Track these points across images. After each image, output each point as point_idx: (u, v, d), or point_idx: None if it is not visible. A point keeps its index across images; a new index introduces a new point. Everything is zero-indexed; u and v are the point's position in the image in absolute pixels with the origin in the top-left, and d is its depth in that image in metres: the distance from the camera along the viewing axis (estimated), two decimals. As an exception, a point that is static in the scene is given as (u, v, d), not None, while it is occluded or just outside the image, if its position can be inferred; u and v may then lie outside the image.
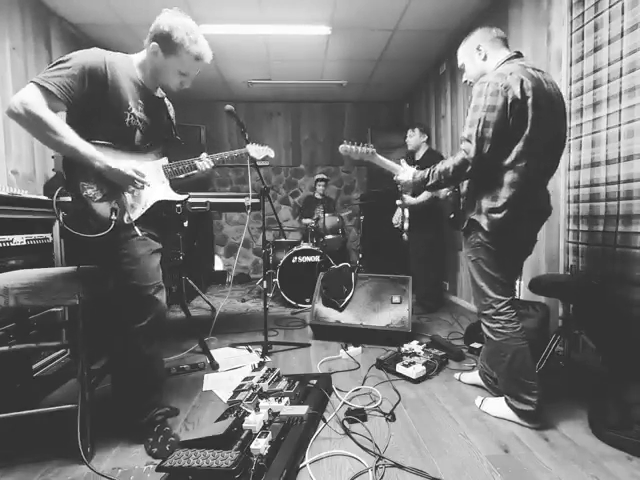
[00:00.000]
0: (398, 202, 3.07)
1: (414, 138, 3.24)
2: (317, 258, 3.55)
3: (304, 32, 3.40)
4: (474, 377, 1.86)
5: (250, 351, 2.36)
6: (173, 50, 1.34)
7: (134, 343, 1.36)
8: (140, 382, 1.41)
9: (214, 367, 2.11)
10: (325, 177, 4.58)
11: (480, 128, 1.35)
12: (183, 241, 3.17)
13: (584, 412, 1.55)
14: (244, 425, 1.32)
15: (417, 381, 1.89)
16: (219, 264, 5.18)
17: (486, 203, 1.43)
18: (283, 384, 1.68)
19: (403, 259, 3.62)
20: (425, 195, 2.92)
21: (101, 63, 1.27)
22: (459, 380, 1.91)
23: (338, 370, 2.04)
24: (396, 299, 2.56)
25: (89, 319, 1.36)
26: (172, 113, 1.65)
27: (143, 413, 1.41)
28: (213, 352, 2.21)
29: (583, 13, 2.04)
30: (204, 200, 2.44)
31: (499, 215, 1.40)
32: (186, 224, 2.17)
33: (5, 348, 1.29)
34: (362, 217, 4.38)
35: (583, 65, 2.04)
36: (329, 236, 4.08)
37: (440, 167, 1.47)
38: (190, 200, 2.24)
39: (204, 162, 1.61)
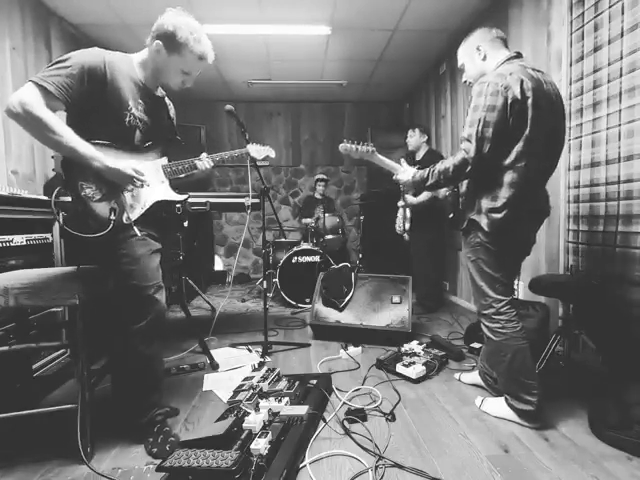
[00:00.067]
0: (400, 203, 3.07)
1: (414, 138, 3.25)
2: (317, 258, 3.54)
3: (304, 32, 3.40)
4: (474, 377, 1.86)
5: (250, 351, 2.36)
6: (177, 49, 1.34)
7: (134, 343, 1.36)
8: (140, 382, 1.41)
9: (214, 367, 2.11)
10: (325, 177, 4.59)
11: (480, 128, 1.35)
12: (183, 241, 3.16)
13: (584, 412, 1.55)
14: (244, 425, 1.32)
15: (417, 381, 1.89)
16: (219, 264, 5.17)
17: (486, 203, 1.43)
18: (283, 384, 1.68)
19: (403, 259, 3.62)
20: (425, 195, 2.92)
21: (100, 63, 1.27)
22: (459, 380, 1.91)
23: (338, 370, 2.04)
24: (396, 299, 2.56)
25: (89, 319, 1.36)
26: (172, 112, 1.64)
27: (143, 413, 1.41)
28: (213, 352, 2.21)
29: (583, 13, 2.04)
30: (204, 200, 2.44)
31: (499, 215, 1.40)
32: (186, 224, 2.17)
33: (5, 348, 1.29)
34: (362, 217, 4.38)
35: (583, 65, 2.04)
36: (329, 236, 4.08)
37: (440, 167, 1.47)
38: (190, 200, 2.24)
39: (204, 162, 1.61)
